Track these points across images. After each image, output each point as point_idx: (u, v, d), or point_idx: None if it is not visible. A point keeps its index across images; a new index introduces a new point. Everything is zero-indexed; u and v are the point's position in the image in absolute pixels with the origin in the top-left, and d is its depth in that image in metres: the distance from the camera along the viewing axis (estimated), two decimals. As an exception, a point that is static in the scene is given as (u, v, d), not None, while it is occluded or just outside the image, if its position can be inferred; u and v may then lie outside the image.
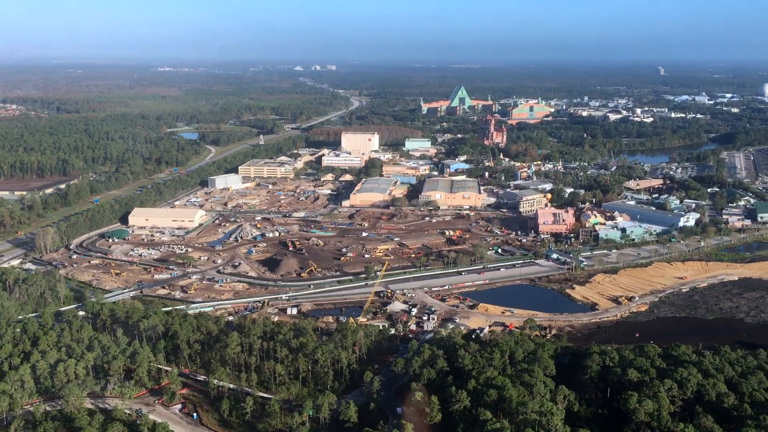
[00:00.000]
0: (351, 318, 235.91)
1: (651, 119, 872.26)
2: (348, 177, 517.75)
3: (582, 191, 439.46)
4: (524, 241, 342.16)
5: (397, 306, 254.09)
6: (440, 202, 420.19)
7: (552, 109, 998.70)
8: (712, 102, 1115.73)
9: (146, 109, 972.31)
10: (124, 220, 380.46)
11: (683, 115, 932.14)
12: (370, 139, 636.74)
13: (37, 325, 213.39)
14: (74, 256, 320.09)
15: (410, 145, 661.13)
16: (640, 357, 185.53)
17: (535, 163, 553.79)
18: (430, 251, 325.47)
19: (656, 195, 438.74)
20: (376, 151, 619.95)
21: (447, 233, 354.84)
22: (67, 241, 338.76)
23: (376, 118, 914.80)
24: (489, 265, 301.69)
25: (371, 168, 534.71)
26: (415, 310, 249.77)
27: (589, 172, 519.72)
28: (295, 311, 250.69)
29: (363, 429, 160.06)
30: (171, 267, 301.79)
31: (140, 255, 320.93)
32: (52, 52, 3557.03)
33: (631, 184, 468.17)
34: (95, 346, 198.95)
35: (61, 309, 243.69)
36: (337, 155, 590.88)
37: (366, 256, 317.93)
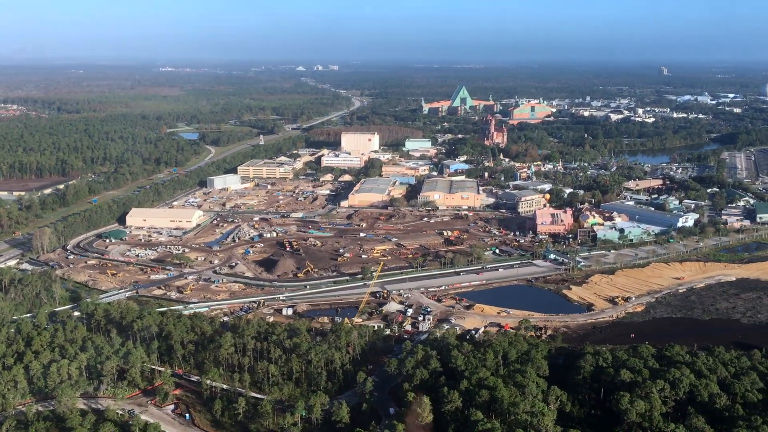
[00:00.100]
0: (346, 318, 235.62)
1: (653, 119, 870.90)
2: (347, 177, 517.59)
3: (581, 192, 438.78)
4: (522, 241, 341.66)
5: (393, 306, 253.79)
6: (439, 202, 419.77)
7: (553, 110, 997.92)
8: (714, 102, 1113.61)
9: (147, 110, 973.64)
10: (121, 220, 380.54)
11: (685, 115, 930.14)
12: (370, 140, 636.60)
13: (31, 326, 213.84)
14: (71, 257, 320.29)
15: (410, 145, 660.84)
16: (634, 357, 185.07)
17: (535, 163, 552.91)
18: (428, 252, 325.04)
19: (656, 195, 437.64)
20: (375, 152, 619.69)
21: (445, 234, 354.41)
22: (65, 242, 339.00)
23: (377, 118, 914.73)
24: (486, 266, 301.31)
25: (370, 168, 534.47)
26: (410, 311, 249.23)
27: (588, 173, 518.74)
28: (290, 312, 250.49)
29: (354, 429, 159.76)
30: (167, 267, 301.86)
31: (137, 255, 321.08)
32: (55, 53, 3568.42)
33: (631, 184, 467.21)
34: (89, 347, 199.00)
35: (56, 309, 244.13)
36: (337, 155, 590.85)
37: (363, 256, 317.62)
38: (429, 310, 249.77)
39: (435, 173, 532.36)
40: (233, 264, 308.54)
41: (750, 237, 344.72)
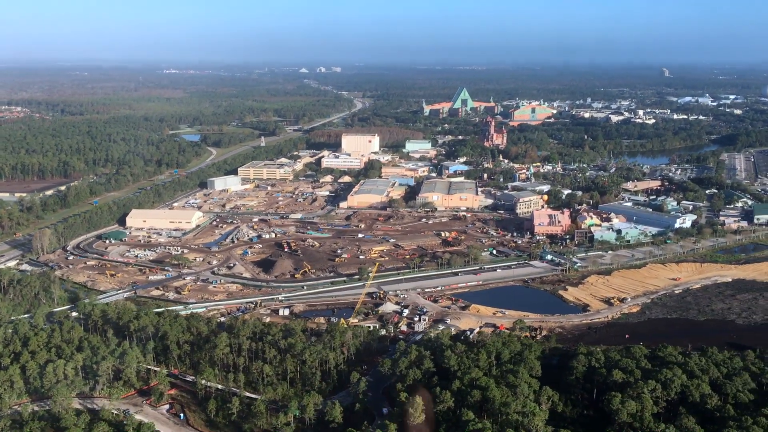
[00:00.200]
0: (342, 319, 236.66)
1: (653, 121, 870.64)
2: (347, 178, 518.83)
3: (579, 193, 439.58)
4: (519, 242, 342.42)
5: (389, 307, 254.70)
6: (437, 203, 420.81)
7: (554, 111, 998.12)
8: (715, 103, 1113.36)
9: (150, 111, 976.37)
10: (122, 221, 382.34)
11: (686, 116, 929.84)
12: (370, 141, 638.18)
13: (28, 326, 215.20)
14: (70, 258, 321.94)
15: (410, 146, 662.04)
16: (626, 358, 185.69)
17: (534, 164, 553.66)
18: (425, 252, 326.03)
19: (654, 197, 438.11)
20: (375, 153, 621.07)
21: (443, 234, 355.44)
22: (65, 243, 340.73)
23: (378, 119, 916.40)
24: (483, 267, 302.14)
25: (370, 169, 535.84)
26: (407, 311, 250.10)
27: (587, 174, 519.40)
28: (287, 312, 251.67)
29: (347, 429, 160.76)
30: (166, 268, 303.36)
31: (136, 256, 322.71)
32: (59, 55, 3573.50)
33: (629, 185, 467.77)
34: (85, 347, 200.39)
35: (55, 310, 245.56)
36: (337, 157, 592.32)
37: (361, 257, 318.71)
38: (425, 310, 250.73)
39: (434, 174, 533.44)
40: (231, 265, 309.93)
41: (747, 238, 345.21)
